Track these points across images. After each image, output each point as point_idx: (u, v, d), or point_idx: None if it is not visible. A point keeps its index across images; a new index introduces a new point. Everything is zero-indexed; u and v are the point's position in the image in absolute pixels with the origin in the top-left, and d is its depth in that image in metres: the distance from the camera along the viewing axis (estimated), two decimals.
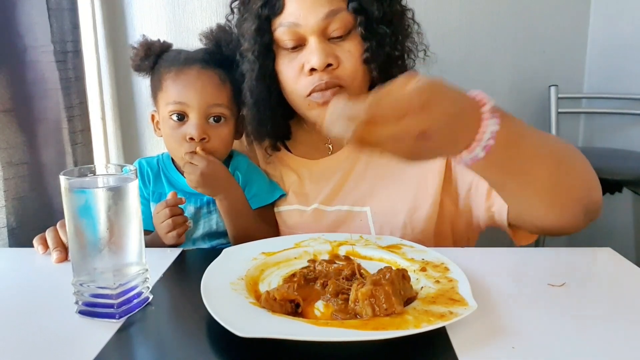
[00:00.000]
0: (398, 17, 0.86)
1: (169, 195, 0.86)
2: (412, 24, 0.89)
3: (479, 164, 0.57)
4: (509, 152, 0.58)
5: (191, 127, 0.87)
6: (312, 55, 0.81)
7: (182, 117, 0.87)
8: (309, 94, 0.83)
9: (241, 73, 0.89)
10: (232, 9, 0.91)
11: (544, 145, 0.65)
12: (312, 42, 0.81)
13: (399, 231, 0.88)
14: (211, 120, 0.88)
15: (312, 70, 0.82)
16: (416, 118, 0.50)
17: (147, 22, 1.88)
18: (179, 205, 0.86)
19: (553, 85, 2.04)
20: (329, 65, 0.81)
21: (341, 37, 0.82)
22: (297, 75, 0.84)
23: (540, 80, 2.07)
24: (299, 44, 0.83)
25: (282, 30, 0.83)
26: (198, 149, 0.86)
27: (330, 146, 0.96)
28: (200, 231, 0.93)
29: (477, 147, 0.55)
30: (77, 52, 1.38)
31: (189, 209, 0.93)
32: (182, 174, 0.94)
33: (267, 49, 0.85)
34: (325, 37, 0.82)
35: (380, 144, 0.51)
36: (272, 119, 0.90)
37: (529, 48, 2.04)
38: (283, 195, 0.96)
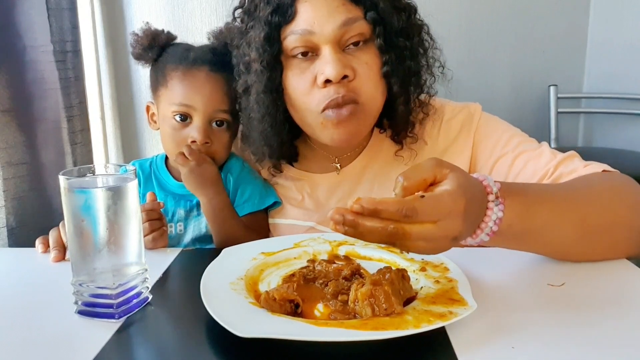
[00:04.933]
0: (416, 31, 0.82)
1: (147, 198, 0.83)
2: (430, 38, 0.84)
3: (489, 242, 0.59)
4: (519, 227, 0.60)
5: (195, 130, 0.86)
6: (327, 65, 0.75)
7: (185, 118, 0.87)
8: (323, 110, 0.77)
9: (244, 87, 0.83)
10: (234, 16, 0.85)
11: (564, 205, 0.65)
12: (327, 52, 0.76)
13: None
14: (214, 124, 0.87)
15: (327, 82, 0.76)
16: (454, 222, 0.51)
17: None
18: (162, 210, 0.84)
19: (553, 85, 2.04)
20: (345, 77, 0.75)
21: (357, 47, 0.77)
22: (309, 88, 0.78)
23: (540, 80, 2.07)
24: (311, 54, 0.78)
25: (293, 39, 0.77)
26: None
27: (338, 165, 0.91)
28: (189, 235, 0.92)
29: (481, 234, 0.57)
30: (77, 52, 1.38)
31: (179, 212, 0.92)
32: (174, 177, 0.93)
33: (276, 60, 0.79)
34: (340, 46, 0.77)
35: (413, 243, 0.50)
36: (278, 137, 0.84)
37: (529, 48, 2.04)
38: (278, 204, 0.92)
